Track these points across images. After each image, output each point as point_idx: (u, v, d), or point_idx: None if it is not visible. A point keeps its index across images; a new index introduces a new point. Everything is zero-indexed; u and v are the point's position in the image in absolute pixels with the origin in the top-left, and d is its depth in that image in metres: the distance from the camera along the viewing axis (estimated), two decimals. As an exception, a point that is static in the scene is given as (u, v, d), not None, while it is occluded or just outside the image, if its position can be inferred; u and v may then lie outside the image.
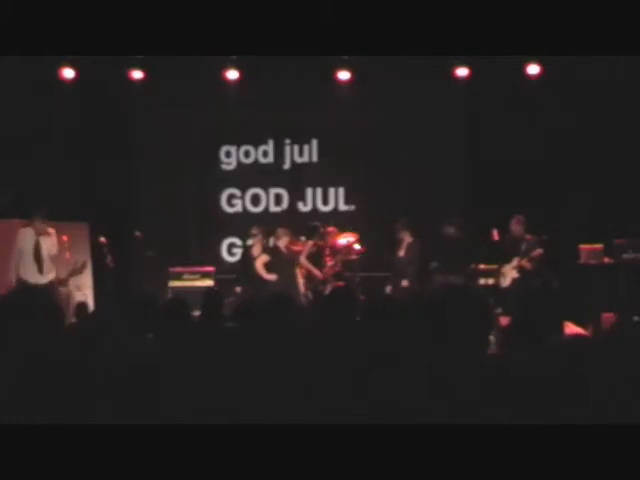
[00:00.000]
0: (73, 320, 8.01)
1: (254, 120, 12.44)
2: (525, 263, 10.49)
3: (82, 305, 8.93)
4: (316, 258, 10.97)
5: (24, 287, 9.04)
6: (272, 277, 10.68)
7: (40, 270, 9.55)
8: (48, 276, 9.62)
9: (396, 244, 11.05)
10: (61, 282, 9.58)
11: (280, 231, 11.14)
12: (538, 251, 10.42)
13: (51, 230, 9.69)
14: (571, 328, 5.94)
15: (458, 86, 11.96)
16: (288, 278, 10.60)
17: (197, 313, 5.92)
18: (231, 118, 12.46)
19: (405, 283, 10.69)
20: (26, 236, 9.57)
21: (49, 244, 9.60)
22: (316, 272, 10.87)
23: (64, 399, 3.15)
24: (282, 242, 10.90)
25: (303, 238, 11.23)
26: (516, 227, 10.63)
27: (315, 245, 10.99)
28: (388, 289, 10.82)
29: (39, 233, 9.58)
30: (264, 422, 2.90)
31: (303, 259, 10.81)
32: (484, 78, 11.65)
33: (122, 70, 11.73)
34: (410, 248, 10.94)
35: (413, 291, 10.24)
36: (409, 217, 11.30)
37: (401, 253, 11.00)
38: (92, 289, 10.93)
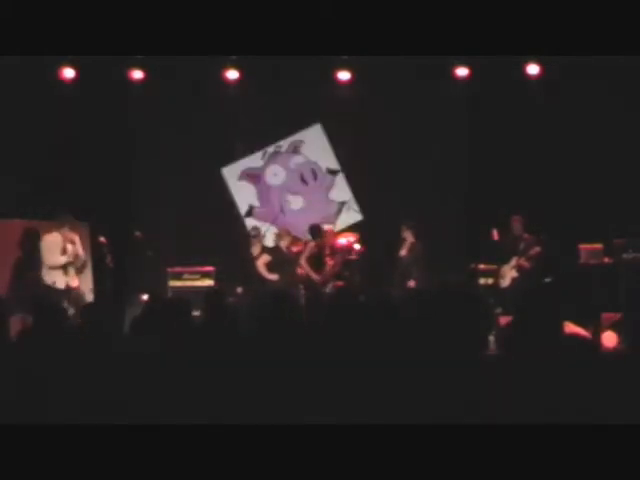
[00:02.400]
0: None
1: (254, 120, 12.44)
2: (523, 262, 10.56)
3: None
4: (317, 258, 10.96)
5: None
6: (273, 277, 10.68)
7: (66, 275, 9.62)
8: (74, 281, 9.70)
9: (399, 244, 11.10)
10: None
11: (282, 231, 11.14)
12: (536, 249, 10.50)
13: (76, 236, 9.76)
14: (571, 328, 5.94)
15: (458, 86, 11.95)
16: (289, 278, 10.59)
17: (197, 313, 5.91)
18: (232, 117, 12.45)
19: (412, 283, 10.74)
20: (53, 241, 9.60)
21: (76, 250, 9.67)
22: (314, 276, 10.76)
23: (66, 399, 3.15)
24: (283, 242, 10.90)
25: (309, 237, 11.24)
26: (515, 226, 10.71)
27: (316, 246, 10.97)
28: (392, 289, 10.82)
29: (66, 239, 9.63)
30: (262, 423, 2.90)
31: (303, 261, 10.78)
32: (484, 78, 11.64)
33: (122, 70, 11.73)
34: (412, 248, 10.99)
35: (415, 291, 10.24)
36: (408, 217, 11.31)
37: (403, 253, 11.06)
38: (92, 289, 10.90)
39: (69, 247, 9.61)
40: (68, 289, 9.58)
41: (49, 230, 9.70)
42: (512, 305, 9.14)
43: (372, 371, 3.09)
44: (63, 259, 9.60)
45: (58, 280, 9.54)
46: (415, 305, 3.81)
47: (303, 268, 10.81)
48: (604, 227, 10.83)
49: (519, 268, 10.60)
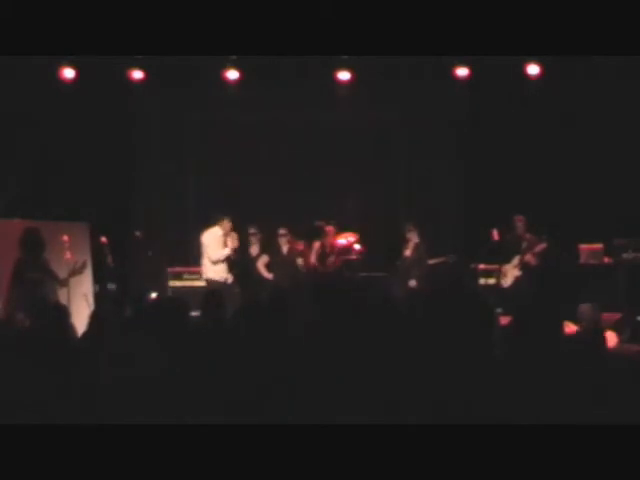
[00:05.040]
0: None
1: (254, 120, 12.44)
2: (530, 258, 10.63)
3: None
4: (320, 258, 10.98)
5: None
6: (273, 277, 10.69)
7: (226, 268, 10.21)
8: (230, 274, 10.28)
9: (403, 244, 11.12)
10: (61, 282, 9.54)
11: (281, 231, 11.14)
12: (541, 246, 10.60)
13: (234, 232, 10.26)
14: (571, 328, 5.94)
15: (458, 86, 11.96)
16: (288, 277, 10.60)
17: (196, 313, 5.92)
18: (231, 118, 12.45)
19: (413, 283, 10.80)
20: (214, 236, 10.18)
21: (233, 244, 10.18)
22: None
23: (64, 398, 3.15)
24: (283, 242, 10.91)
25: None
26: (518, 226, 10.78)
27: (322, 245, 11.01)
28: (394, 289, 10.83)
29: (226, 233, 10.17)
30: (260, 422, 2.90)
31: (313, 260, 10.83)
32: (484, 78, 11.65)
33: (122, 70, 11.73)
34: (417, 248, 11.03)
35: (418, 291, 10.27)
36: (408, 217, 11.34)
37: (407, 253, 11.10)
38: (92, 289, 10.89)
39: (229, 241, 10.16)
40: (227, 282, 10.15)
41: (210, 225, 10.28)
42: (513, 305, 9.17)
43: (372, 371, 3.09)
44: (226, 252, 10.12)
45: (218, 274, 10.11)
46: (416, 306, 3.82)
47: (314, 266, 10.83)
48: (604, 227, 10.84)
49: (525, 265, 10.66)
